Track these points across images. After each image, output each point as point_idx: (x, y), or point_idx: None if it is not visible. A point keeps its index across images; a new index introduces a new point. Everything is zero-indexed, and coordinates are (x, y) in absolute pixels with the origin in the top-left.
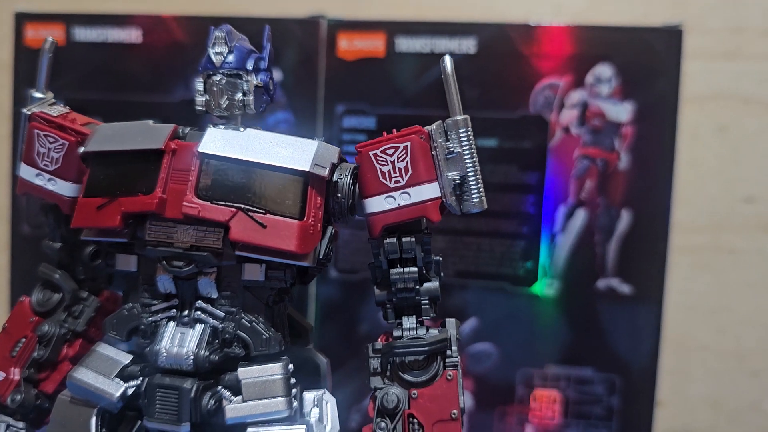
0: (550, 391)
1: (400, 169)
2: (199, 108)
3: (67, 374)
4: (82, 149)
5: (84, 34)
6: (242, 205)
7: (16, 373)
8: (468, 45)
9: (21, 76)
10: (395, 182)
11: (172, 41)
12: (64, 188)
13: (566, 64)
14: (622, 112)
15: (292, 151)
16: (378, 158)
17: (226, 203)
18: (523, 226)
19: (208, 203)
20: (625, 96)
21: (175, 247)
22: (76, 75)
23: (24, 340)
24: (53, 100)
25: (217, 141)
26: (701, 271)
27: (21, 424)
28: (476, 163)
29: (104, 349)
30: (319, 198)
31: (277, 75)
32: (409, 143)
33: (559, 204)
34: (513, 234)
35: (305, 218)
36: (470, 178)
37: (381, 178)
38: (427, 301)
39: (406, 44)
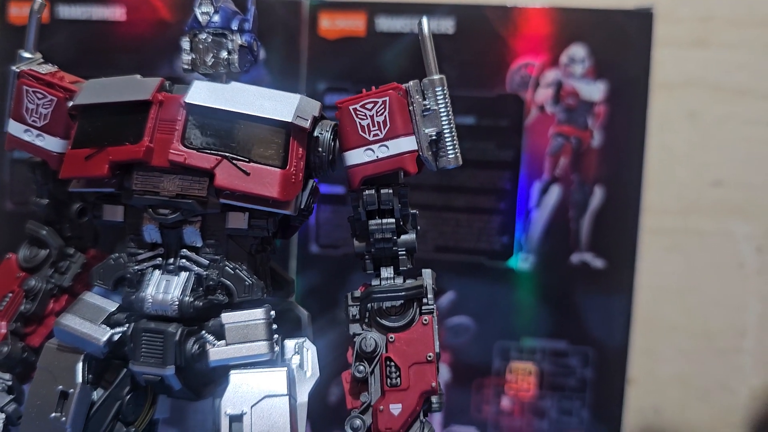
0: (525, 364)
1: (378, 122)
2: (185, 66)
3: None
4: (70, 103)
5: (68, 11)
6: (227, 154)
7: (2, 326)
8: (447, 25)
9: (4, 54)
10: (374, 135)
11: (156, 19)
12: (52, 144)
13: (541, 44)
14: (594, 91)
15: (275, 103)
16: (357, 113)
17: (211, 152)
18: (499, 202)
19: (194, 151)
20: (598, 76)
21: (162, 196)
22: (60, 52)
23: (11, 294)
24: (42, 60)
25: (203, 93)
26: (671, 252)
27: (8, 376)
28: (452, 121)
29: (91, 297)
30: (300, 149)
31: (261, 53)
32: (387, 98)
33: (534, 180)
34: (490, 209)
35: (287, 167)
36: (446, 135)
37: (360, 132)
38: (404, 252)
39: (386, 24)
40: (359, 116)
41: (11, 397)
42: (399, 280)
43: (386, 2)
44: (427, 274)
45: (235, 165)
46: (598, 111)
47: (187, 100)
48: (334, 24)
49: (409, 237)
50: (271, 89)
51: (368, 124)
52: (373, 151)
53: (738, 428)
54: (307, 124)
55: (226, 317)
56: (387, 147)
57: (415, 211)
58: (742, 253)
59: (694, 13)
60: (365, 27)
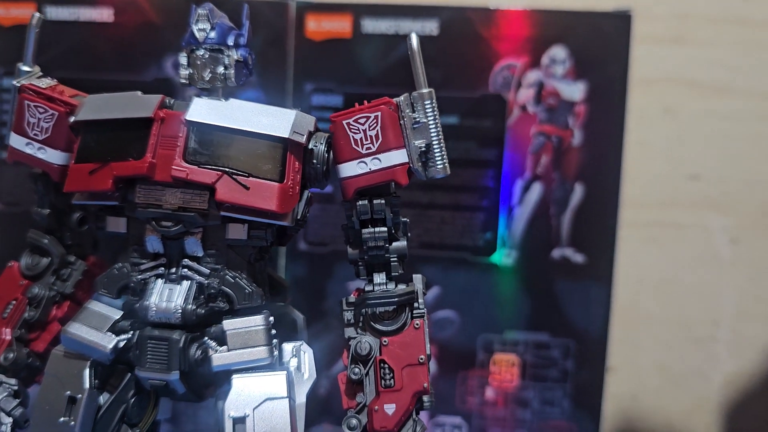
0: (508, 356)
1: (371, 136)
2: (183, 81)
3: (60, 330)
4: (72, 119)
5: (55, 12)
6: (227, 169)
7: (7, 333)
8: (431, 27)
9: None
10: (367, 149)
11: (144, 21)
12: (54, 156)
13: (523, 46)
14: (575, 91)
15: (272, 120)
16: (351, 127)
17: (212, 167)
18: (482, 200)
19: (196, 167)
20: (578, 76)
21: (164, 209)
22: (48, 54)
23: (14, 302)
24: (40, 73)
25: (203, 110)
26: (649, 245)
27: (14, 381)
28: (440, 133)
29: (96, 305)
30: (297, 162)
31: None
32: (379, 113)
33: (516, 178)
34: (473, 207)
35: (285, 181)
36: (435, 146)
37: (354, 145)
38: (395, 259)
39: (371, 26)
40: (352, 130)
41: (17, 401)
42: (391, 286)
43: (372, 4)
44: (418, 279)
45: (235, 180)
46: (579, 110)
47: (187, 118)
48: (320, 25)
49: (401, 244)
50: (268, 105)
51: (361, 138)
52: (365, 163)
53: (712, 413)
54: (303, 140)
55: (228, 324)
56: (379, 160)
57: (406, 219)
58: (717, 245)
59: (671, 11)
60: (351, 28)
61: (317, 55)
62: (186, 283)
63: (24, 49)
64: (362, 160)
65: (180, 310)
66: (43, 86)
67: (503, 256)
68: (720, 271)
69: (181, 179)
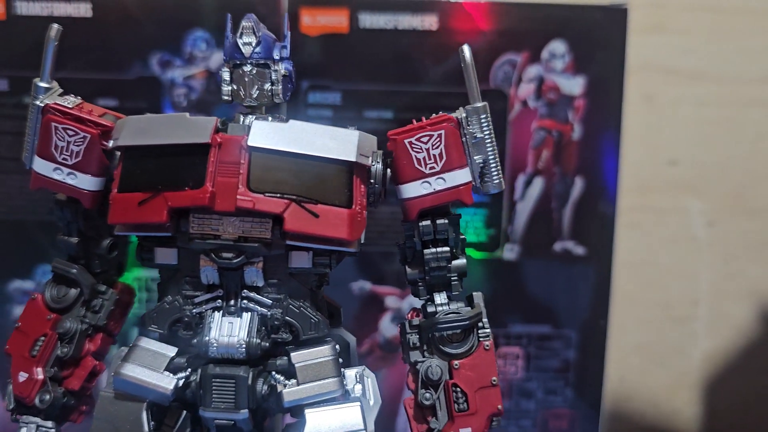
0: (513, 349)
1: (434, 155)
2: (226, 98)
3: (94, 366)
4: (111, 142)
5: (26, 7)
6: (294, 196)
7: (39, 373)
8: (430, 21)
9: None
10: (430, 168)
11: (125, 16)
12: (85, 182)
13: (523, 40)
14: (574, 85)
15: (337, 142)
16: (413, 146)
17: (279, 194)
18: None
19: (261, 196)
20: (577, 70)
21: (223, 239)
22: (19, 52)
23: (43, 338)
24: (60, 90)
25: (265, 134)
26: (630, 229)
27: (50, 424)
28: (495, 147)
29: (147, 343)
30: (362, 186)
31: None
32: (443, 131)
33: (518, 173)
34: (476, 203)
35: (353, 206)
36: (491, 161)
37: (416, 165)
38: (456, 278)
39: (369, 20)
40: (414, 149)
41: None
42: (454, 305)
43: None
44: (479, 297)
45: (303, 207)
46: (578, 105)
47: (250, 143)
48: (315, 20)
49: (461, 262)
50: (328, 126)
51: (424, 158)
52: (429, 183)
53: (693, 388)
54: (368, 162)
55: (296, 357)
56: (444, 179)
57: (464, 236)
58: (695, 227)
59: (649, 0)
60: (348, 23)
61: (313, 51)
62: (247, 316)
63: (41, 63)
64: (426, 180)
65: (243, 345)
66: (69, 105)
67: (506, 251)
68: (697, 252)
69: (247, 209)
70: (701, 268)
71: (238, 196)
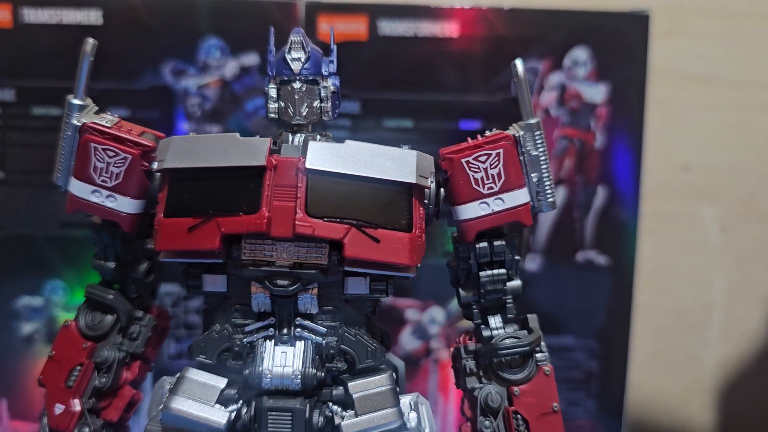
0: None
1: (492, 175)
2: (272, 115)
3: (133, 395)
4: (156, 164)
5: (34, 14)
6: (354, 221)
7: (76, 405)
8: (450, 29)
9: None
10: (488, 188)
11: (137, 23)
12: (125, 205)
13: (544, 47)
14: (596, 93)
15: (395, 163)
16: (470, 165)
17: (338, 219)
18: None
19: (321, 221)
20: (600, 78)
21: (278, 266)
22: (27, 61)
23: (79, 367)
24: (96, 107)
25: (322, 155)
26: (644, 235)
27: None
28: (549, 165)
29: (196, 374)
30: (421, 208)
31: (255, 59)
32: (501, 150)
33: None
34: None
35: (413, 230)
36: (545, 180)
37: (474, 185)
38: (511, 300)
39: (389, 27)
40: (472, 169)
41: None
42: (510, 329)
43: (388, 4)
44: (534, 320)
45: (363, 232)
46: (600, 113)
47: (308, 166)
48: (333, 27)
49: (516, 283)
50: (384, 146)
51: (482, 177)
52: (488, 204)
53: (707, 395)
54: (428, 183)
55: (354, 387)
56: (502, 200)
57: (518, 257)
58: (707, 233)
59: (662, 4)
60: (367, 30)
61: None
62: (300, 345)
63: (76, 79)
64: (484, 200)
65: (299, 375)
66: (107, 124)
67: (529, 262)
68: (710, 258)
69: (306, 236)
70: (714, 274)
71: (296, 222)
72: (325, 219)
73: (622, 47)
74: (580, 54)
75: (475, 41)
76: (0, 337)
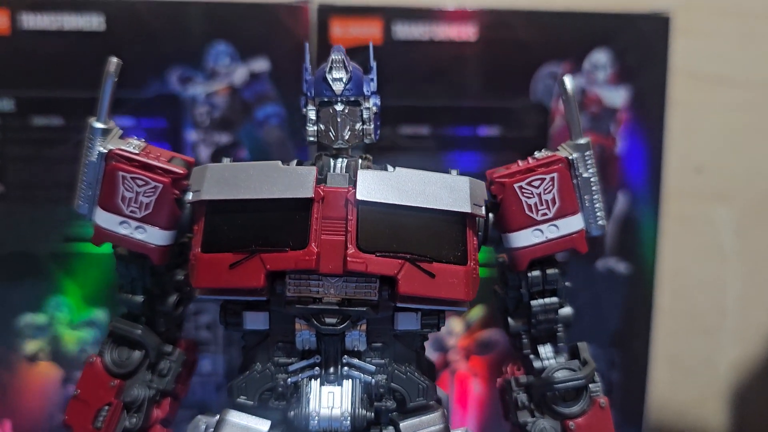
0: None
1: (546, 201)
2: (311, 139)
3: None
4: (191, 195)
5: (33, 21)
6: (408, 255)
7: None
8: (468, 32)
9: None
10: (542, 215)
11: (141, 29)
12: (155, 236)
13: (564, 50)
14: (617, 97)
15: (448, 191)
16: (523, 191)
17: (391, 254)
18: None
19: (373, 256)
20: (620, 81)
21: (326, 303)
22: (26, 69)
23: (107, 407)
24: (120, 132)
25: (373, 185)
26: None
27: None
28: (599, 186)
29: (237, 417)
30: (474, 239)
31: (265, 65)
32: (556, 174)
33: None
34: None
35: (467, 262)
36: (595, 202)
37: (527, 211)
38: (561, 328)
39: (404, 31)
40: (525, 195)
41: None
42: (560, 359)
43: (404, 7)
44: (584, 348)
45: (418, 267)
46: (620, 117)
47: (359, 197)
48: (347, 31)
49: (568, 311)
50: (435, 173)
51: (535, 203)
52: (541, 231)
53: (721, 399)
54: (482, 212)
55: (406, 428)
56: (557, 227)
57: (569, 283)
58: (721, 236)
59: (676, 4)
60: (381, 34)
61: None
62: (348, 384)
63: (98, 102)
64: (537, 227)
65: (348, 417)
66: (134, 150)
67: None
68: (724, 261)
69: (359, 272)
70: (729, 277)
71: (348, 258)
72: (378, 254)
73: (642, 49)
74: (600, 57)
75: (493, 45)
76: (3, 356)
